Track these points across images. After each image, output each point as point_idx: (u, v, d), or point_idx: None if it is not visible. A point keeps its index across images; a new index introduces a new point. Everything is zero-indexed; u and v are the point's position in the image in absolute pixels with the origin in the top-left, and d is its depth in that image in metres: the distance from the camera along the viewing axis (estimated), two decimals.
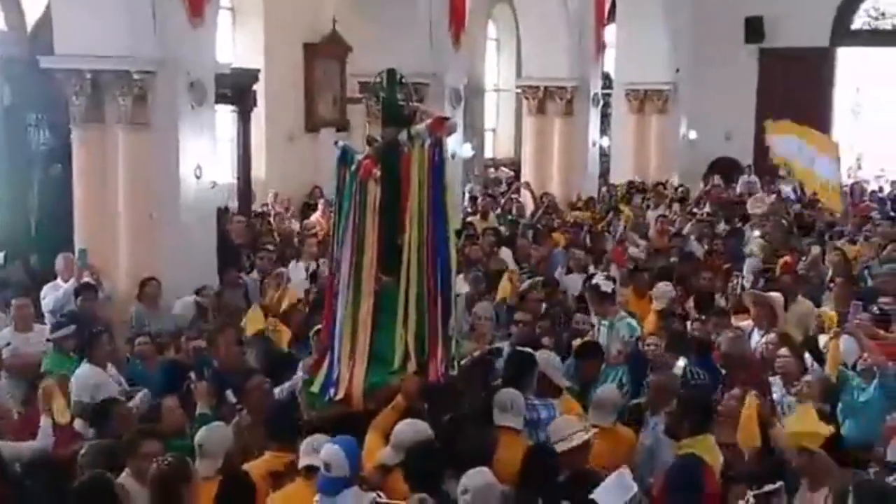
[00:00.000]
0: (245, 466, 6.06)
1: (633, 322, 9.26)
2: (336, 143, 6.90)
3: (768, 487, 4.79)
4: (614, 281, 10.40)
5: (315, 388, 6.58)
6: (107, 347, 8.41)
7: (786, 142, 15.07)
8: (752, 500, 4.71)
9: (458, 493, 5.28)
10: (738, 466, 6.28)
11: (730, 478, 6.07)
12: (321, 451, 5.41)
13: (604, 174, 23.23)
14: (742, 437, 6.54)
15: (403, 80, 6.95)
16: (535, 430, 6.71)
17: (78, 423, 7.31)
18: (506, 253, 12.80)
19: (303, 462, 5.70)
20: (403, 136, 6.51)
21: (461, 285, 9.76)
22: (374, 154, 6.59)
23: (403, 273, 6.44)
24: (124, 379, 8.65)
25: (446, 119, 6.69)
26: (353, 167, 6.52)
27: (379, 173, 6.49)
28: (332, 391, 6.47)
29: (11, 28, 13.64)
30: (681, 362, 7.83)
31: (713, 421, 6.51)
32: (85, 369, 8.08)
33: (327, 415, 6.39)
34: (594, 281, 9.91)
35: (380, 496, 5.35)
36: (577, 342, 8.88)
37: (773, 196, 19.32)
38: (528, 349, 7.51)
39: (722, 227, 15.86)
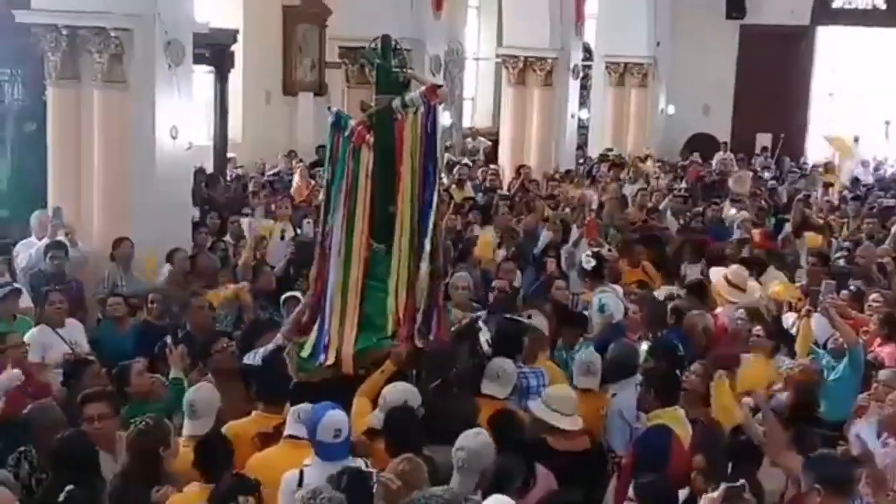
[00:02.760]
0: (233, 426, 6.09)
1: (606, 297, 9.30)
2: (329, 108, 6.87)
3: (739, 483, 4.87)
4: (601, 256, 10.47)
5: (305, 353, 6.58)
6: (59, 306, 8.34)
7: None
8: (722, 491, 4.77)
9: (453, 451, 5.31)
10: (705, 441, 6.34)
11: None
12: (326, 421, 5.35)
13: (582, 146, 23.25)
14: (725, 419, 6.61)
15: (398, 47, 6.92)
16: (526, 398, 6.80)
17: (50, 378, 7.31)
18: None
19: (289, 430, 5.72)
20: (397, 102, 6.48)
21: None
22: (367, 120, 6.56)
23: (396, 240, 6.44)
24: (94, 339, 8.64)
25: (440, 87, 6.66)
26: (347, 133, 6.50)
27: (372, 140, 6.46)
28: (322, 356, 6.48)
29: None
30: (644, 345, 7.85)
31: (683, 395, 6.59)
32: (35, 329, 8.04)
33: (317, 379, 6.40)
34: (580, 259, 10.07)
35: (367, 465, 5.34)
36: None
37: (750, 174, 19.38)
38: (518, 317, 7.59)
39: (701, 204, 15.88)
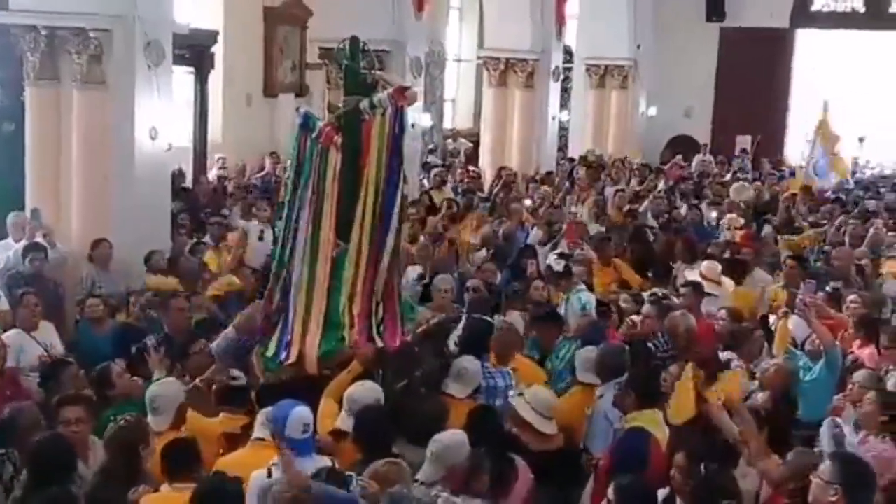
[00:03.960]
0: (199, 424, 6.14)
1: (585, 295, 9.38)
2: (298, 108, 6.91)
3: None
4: (569, 257, 10.49)
5: (269, 352, 6.59)
6: (33, 309, 8.30)
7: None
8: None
9: (429, 444, 5.34)
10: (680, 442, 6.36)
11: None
12: (294, 416, 5.40)
13: (562, 148, 23.30)
14: (674, 407, 6.62)
15: (366, 49, 6.95)
16: (493, 398, 6.82)
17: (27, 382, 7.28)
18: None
19: (256, 433, 5.74)
20: (365, 104, 6.51)
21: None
22: (335, 121, 6.59)
23: (355, 239, 6.46)
24: (73, 340, 8.61)
25: (408, 88, 6.69)
26: (315, 134, 6.53)
27: (340, 140, 6.49)
28: (283, 354, 6.49)
29: None
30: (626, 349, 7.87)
31: (660, 396, 6.62)
32: (10, 333, 8.00)
33: (282, 379, 6.40)
34: (547, 261, 10.12)
35: (334, 464, 5.36)
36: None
37: (731, 174, 19.48)
38: (485, 316, 7.59)
39: (681, 205, 15.93)
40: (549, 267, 9.89)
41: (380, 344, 6.47)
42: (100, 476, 5.42)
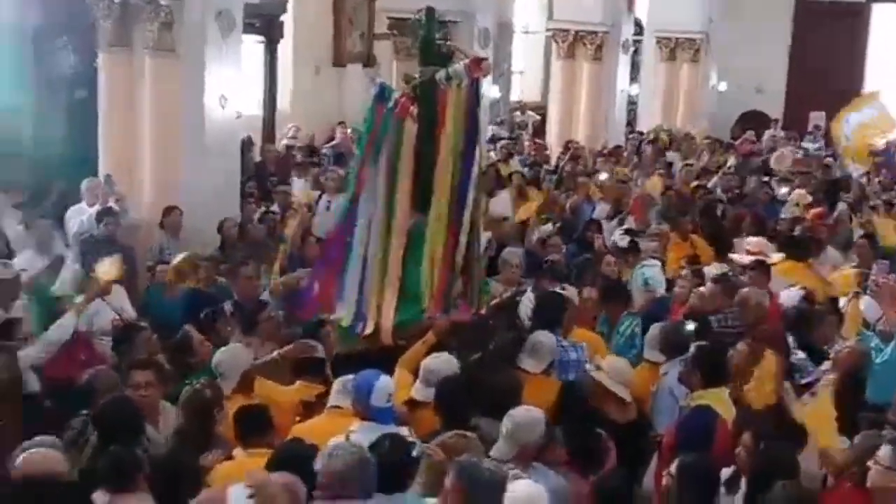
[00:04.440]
0: (276, 391, 6.23)
1: (649, 270, 9.28)
2: (373, 79, 6.90)
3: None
4: (636, 233, 10.43)
5: (345, 323, 6.63)
6: None
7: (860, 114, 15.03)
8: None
9: (504, 419, 5.33)
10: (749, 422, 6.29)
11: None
12: (379, 386, 5.46)
13: (631, 122, 23.06)
14: (757, 394, 6.54)
15: (442, 20, 6.92)
16: (567, 372, 6.80)
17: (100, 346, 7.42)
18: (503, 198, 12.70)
19: (333, 401, 5.78)
20: (441, 75, 6.49)
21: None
22: (411, 92, 6.57)
23: (433, 212, 6.45)
24: (143, 305, 8.74)
25: (484, 60, 6.66)
26: (391, 105, 6.51)
27: (416, 111, 6.47)
28: (360, 325, 6.52)
29: None
30: (690, 326, 7.79)
31: (727, 374, 6.54)
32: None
33: (357, 350, 6.45)
34: (612, 238, 10.03)
35: (410, 433, 5.40)
36: None
37: (800, 152, 19.12)
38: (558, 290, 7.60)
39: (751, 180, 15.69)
40: (614, 243, 9.81)
41: (455, 316, 6.46)
42: (175, 438, 5.51)
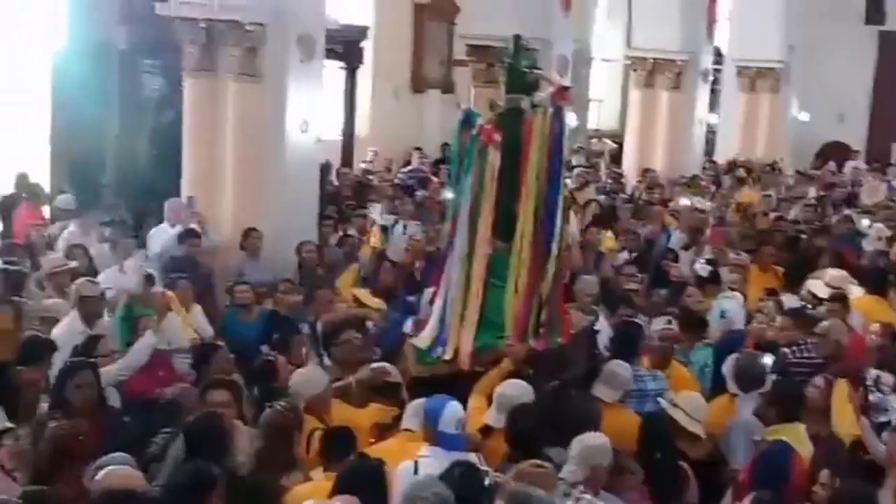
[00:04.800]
0: (351, 414, 6.27)
1: (728, 303, 9.20)
2: (459, 105, 6.94)
3: None
4: (715, 263, 10.33)
5: (423, 345, 6.67)
6: (185, 292, 8.58)
7: None
8: None
9: (572, 444, 5.34)
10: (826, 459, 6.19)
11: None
12: (448, 412, 5.50)
13: (709, 152, 22.86)
14: (839, 426, 6.44)
15: (528, 48, 6.96)
16: (643, 402, 6.77)
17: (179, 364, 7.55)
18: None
19: (405, 424, 5.82)
20: (526, 103, 6.52)
21: None
22: (496, 119, 6.61)
23: (517, 239, 6.47)
24: (221, 325, 8.88)
25: (568, 88, 6.68)
26: (475, 131, 6.55)
27: (500, 139, 6.50)
28: (440, 349, 6.56)
29: None
30: (768, 359, 7.67)
31: (803, 409, 6.45)
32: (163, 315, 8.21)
33: (433, 373, 6.49)
34: (694, 267, 10.00)
35: (480, 460, 5.41)
36: None
37: (884, 185, 18.79)
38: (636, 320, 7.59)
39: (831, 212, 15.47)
40: (695, 272, 9.73)
41: (532, 344, 6.46)
42: (255, 459, 5.57)
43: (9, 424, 5.44)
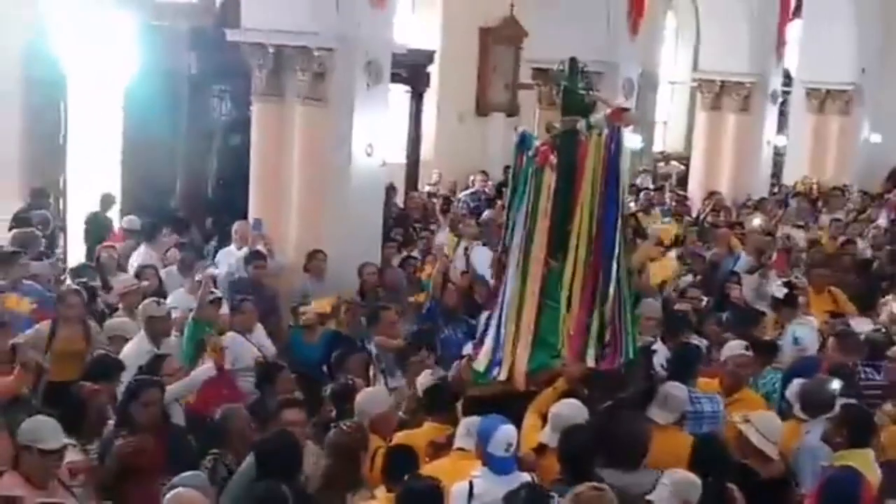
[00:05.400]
0: (407, 434, 6.28)
1: (801, 329, 9.08)
2: (516, 128, 6.97)
3: None
4: (795, 287, 10.27)
5: (480, 367, 6.68)
6: (251, 313, 8.64)
7: None
8: None
9: (663, 477, 5.33)
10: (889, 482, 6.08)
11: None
12: (499, 435, 5.50)
13: (776, 174, 22.58)
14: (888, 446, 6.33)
15: (584, 70, 6.96)
16: (700, 423, 6.71)
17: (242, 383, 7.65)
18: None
19: (458, 443, 5.85)
20: (582, 125, 6.52)
21: None
22: (551, 141, 6.62)
23: (570, 260, 6.46)
24: (285, 346, 8.97)
25: (626, 110, 6.67)
26: (531, 153, 6.57)
27: (555, 160, 6.51)
28: (496, 370, 6.56)
29: (201, 1, 14.19)
30: (835, 384, 7.55)
31: (874, 436, 6.33)
32: (227, 335, 8.27)
33: (488, 393, 6.49)
34: (768, 289, 9.99)
35: (534, 479, 5.41)
36: None
37: None
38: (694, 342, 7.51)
39: None
40: (772, 295, 9.62)
41: (590, 364, 6.44)
42: (322, 479, 5.61)
43: (68, 441, 5.54)
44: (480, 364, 6.69)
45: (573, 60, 6.94)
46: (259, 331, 8.61)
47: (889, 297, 10.71)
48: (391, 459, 5.62)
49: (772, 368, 8.21)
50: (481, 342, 6.83)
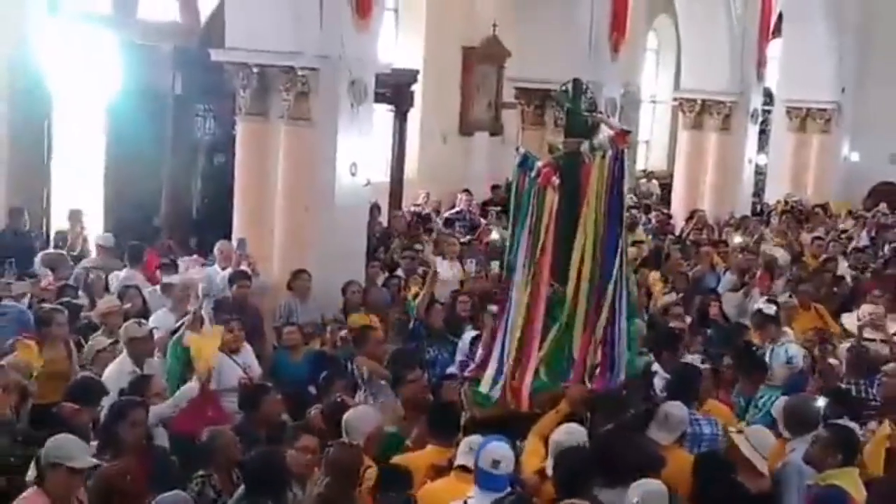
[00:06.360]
0: (408, 457, 6.29)
1: (793, 347, 9.13)
2: (518, 148, 6.96)
3: None
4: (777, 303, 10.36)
5: (484, 389, 6.66)
6: (237, 333, 8.54)
7: None
8: None
9: (629, 491, 5.30)
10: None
11: None
12: (488, 449, 5.51)
13: (758, 192, 22.71)
14: (869, 462, 6.36)
15: (588, 91, 6.97)
16: (698, 445, 6.73)
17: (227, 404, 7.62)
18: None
19: (459, 461, 5.84)
20: (586, 146, 6.53)
21: None
22: (554, 162, 6.62)
23: (572, 282, 6.46)
24: (269, 366, 8.94)
25: (629, 132, 6.68)
26: (533, 173, 6.57)
27: (558, 181, 6.51)
28: (499, 392, 6.55)
29: (185, 20, 14.20)
30: (821, 402, 7.57)
31: (858, 455, 6.36)
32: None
33: (491, 415, 6.48)
34: (758, 306, 9.93)
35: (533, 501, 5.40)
36: None
37: None
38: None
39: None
40: (758, 311, 9.66)
41: (589, 386, 6.44)
42: (319, 498, 5.60)
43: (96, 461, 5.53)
44: (485, 386, 6.67)
45: (577, 81, 6.96)
46: (246, 351, 8.57)
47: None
48: (385, 480, 5.59)
49: (766, 387, 8.22)
50: (484, 363, 6.82)
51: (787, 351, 9.05)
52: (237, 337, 8.52)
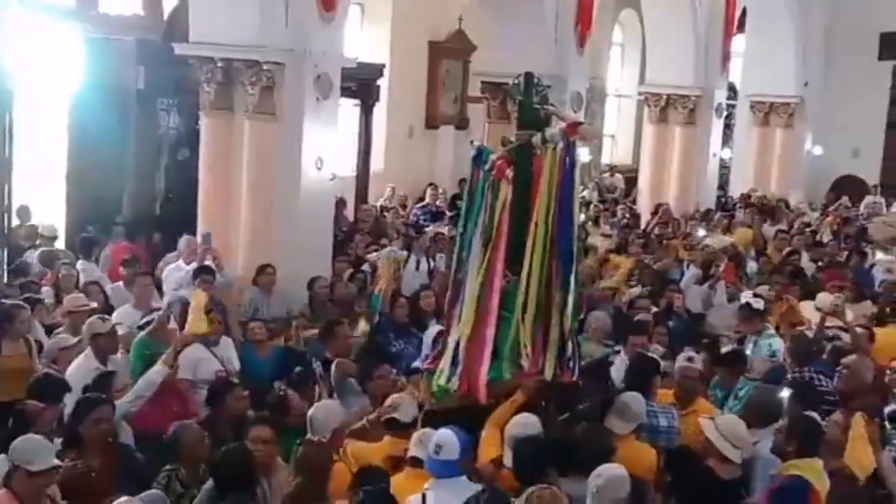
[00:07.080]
0: (364, 447, 6.32)
1: (777, 343, 9.18)
2: (472, 142, 6.97)
3: None
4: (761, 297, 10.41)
5: (440, 380, 6.66)
6: (217, 325, 8.35)
7: None
8: None
9: (591, 477, 5.32)
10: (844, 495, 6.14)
11: None
12: (434, 435, 5.61)
13: (723, 186, 22.87)
14: (853, 462, 6.39)
15: (539, 84, 6.99)
16: (655, 437, 6.75)
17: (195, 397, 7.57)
18: None
19: (411, 452, 5.88)
20: (537, 138, 6.55)
21: None
22: (507, 155, 6.64)
23: (524, 272, 6.48)
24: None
25: (580, 124, 6.70)
26: (487, 167, 6.58)
27: (512, 174, 6.53)
28: (455, 383, 6.55)
29: (148, 14, 14.07)
30: (784, 393, 7.63)
31: (821, 444, 6.40)
32: (191, 346, 8.09)
33: (448, 406, 6.49)
34: (744, 299, 9.93)
35: (486, 489, 5.43)
36: None
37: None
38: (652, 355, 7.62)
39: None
40: (746, 305, 9.72)
41: (548, 377, 6.46)
42: (290, 497, 5.60)
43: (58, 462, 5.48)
44: (441, 377, 6.68)
45: (529, 75, 6.97)
46: (226, 344, 8.48)
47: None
48: (363, 479, 5.59)
49: (746, 379, 8.25)
50: (439, 355, 6.82)
51: (772, 345, 9.07)
52: (217, 329, 8.42)
